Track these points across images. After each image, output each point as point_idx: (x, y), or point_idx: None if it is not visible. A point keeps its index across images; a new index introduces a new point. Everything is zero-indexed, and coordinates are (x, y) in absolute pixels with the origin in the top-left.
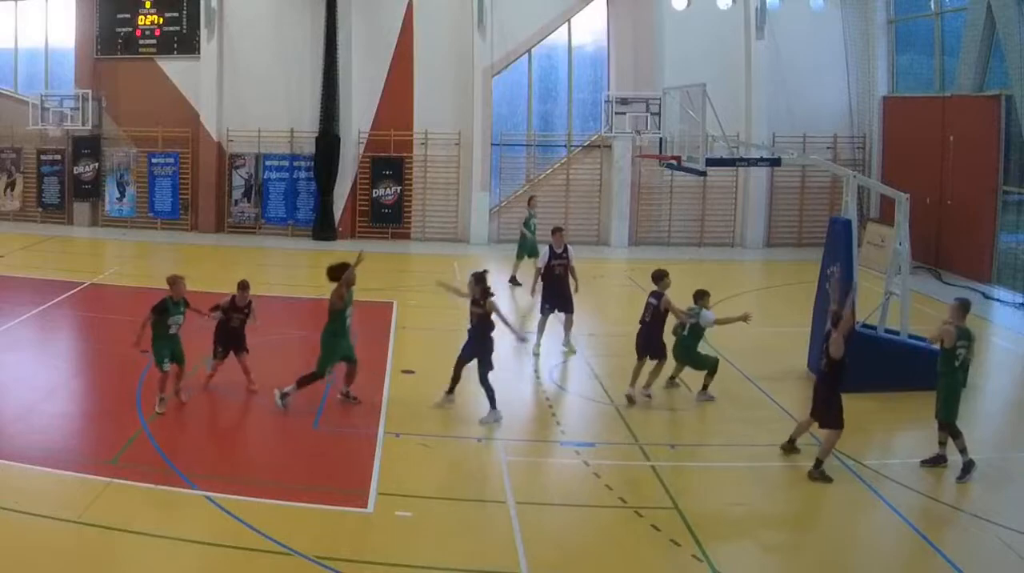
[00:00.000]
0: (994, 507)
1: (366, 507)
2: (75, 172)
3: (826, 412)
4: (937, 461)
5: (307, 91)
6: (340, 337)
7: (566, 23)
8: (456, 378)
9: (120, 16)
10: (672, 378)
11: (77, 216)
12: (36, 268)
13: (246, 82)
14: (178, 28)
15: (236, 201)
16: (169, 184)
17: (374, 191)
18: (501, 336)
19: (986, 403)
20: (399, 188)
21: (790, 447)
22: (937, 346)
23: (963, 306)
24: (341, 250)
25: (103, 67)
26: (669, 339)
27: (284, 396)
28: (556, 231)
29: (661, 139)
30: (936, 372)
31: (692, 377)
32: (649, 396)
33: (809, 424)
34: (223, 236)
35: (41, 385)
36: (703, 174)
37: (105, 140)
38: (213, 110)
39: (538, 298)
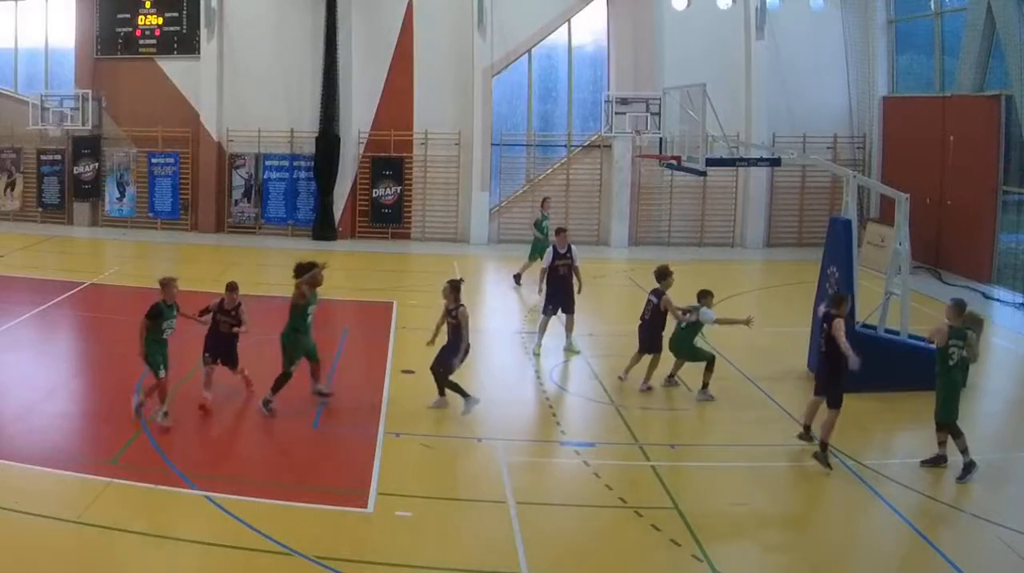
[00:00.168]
0: (994, 507)
1: (366, 507)
2: (75, 172)
3: (831, 389)
4: (937, 461)
5: (307, 91)
6: (302, 334)
7: (566, 23)
8: (441, 393)
9: (120, 16)
10: (671, 377)
11: (77, 216)
12: (36, 268)
13: (246, 82)
14: (178, 28)
15: (236, 201)
16: (169, 184)
17: (374, 191)
18: (501, 337)
19: (986, 403)
20: (399, 188)
21: (807, 435)
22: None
23: (957, 306)
24: (341, 250)
25: (103, 67)
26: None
27: (267, 403)
28: (560, 231)
29: (661, 139)
30: (934, 372)
31: (692, 377)
32: (649, 388)
33: (817, 404)
34: (223, 236)
35: (41, 385)
36: (703, 174)
37: (105, 140)
38: (213, 110)
39: (542, 298)
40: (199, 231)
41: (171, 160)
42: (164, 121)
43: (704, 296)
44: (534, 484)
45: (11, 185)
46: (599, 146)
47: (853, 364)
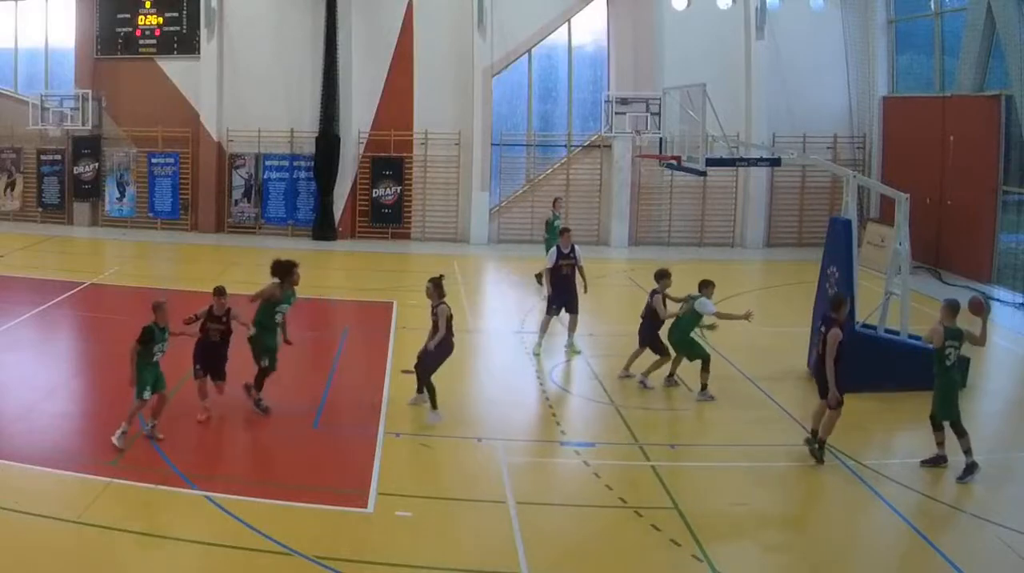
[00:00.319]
0: (994, 507)
1: (366, 507)
2: (75, 172)
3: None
4: (937, 461)
5: (307, 91)
6: (267, 331)
7: (566, 23)
8: (418, 391)
9: (120, 16)
10: (671, 376)
11: (77, 216)
12: (36, 268)
13: (246, 82)
14: (178, 28)
15: (236, 201)
16: (169, 184)
17: (374, 191)
18: (501, 337)
19: (986, 403)
20: (399, 188)
21: (815, 439)
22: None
23: (951, 306)
24: (341, 250)
25: (103, 67)
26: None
27: (257, 402)
28: (564, 232)
29: (661, 139)
30: (933, 373)
31: (692, 376)
32: (646, 385)
33: (824, 408)
34: (223, 236)
35: (41, 385)
36: (703, 174)
37: (105, 140)
38: (213, 110)
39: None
40: (199, 231)
41: (171, 160)
42: (164, 121)
43: (705, 286)
44: (534, 484)
45: (11, 185)
46: (599, 146)
47: (832, 401)
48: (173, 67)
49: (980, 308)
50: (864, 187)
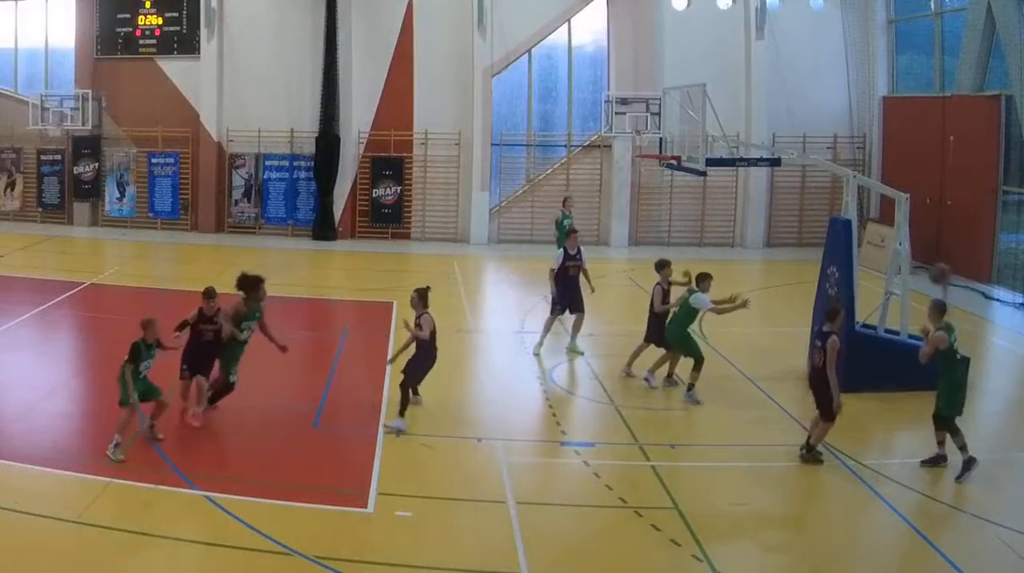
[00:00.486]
0: (994, 507)
1: (366, 507)
2: (75, 172)
3: (825, 404)
4: (937, 461)
5: (307, 91)
6: (237, 344)
7: (566, 23)
8: (414, 393)
9: (120, 16)
10: (670, 376)
11: (77, 216)
12: (36, 268)
13: (246, 82)
14: (178, 28)
15: (236, 201)
16: (169, 184)
17: (374, 191)
18: (501, 337)
19: (986, 403)
20: (399, 188)
21: (810, 453)
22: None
23: (938, 307)
24: (341, 250)
25: (103, 67)
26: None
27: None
28: (572, 233)
29: (661, 139)
30: (937, 372)
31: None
32: (649, 382)
33: (819, 419)
34: (223, 236)
35: (41, 385)
36: (703, 174)
37: (105, 140)
38: (213, 110)
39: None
40: (199, 231)
41: (171, 160)
42: (164, 121)
43: (703, 279)
44: (534, 484)
45: (11, 185)
46: (599, 146)
47: (835, 408)
48: (173, 67)
49: (943, 276)
50: (864, 187)
